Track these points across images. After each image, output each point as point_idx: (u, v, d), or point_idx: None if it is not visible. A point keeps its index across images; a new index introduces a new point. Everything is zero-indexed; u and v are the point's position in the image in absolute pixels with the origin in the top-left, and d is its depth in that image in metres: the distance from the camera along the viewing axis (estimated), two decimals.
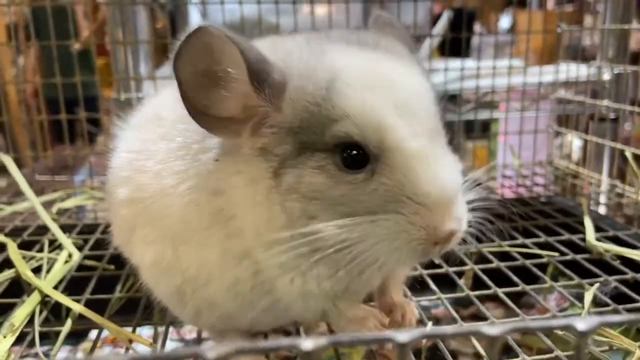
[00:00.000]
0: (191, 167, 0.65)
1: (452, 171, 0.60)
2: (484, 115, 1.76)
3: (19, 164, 1.67)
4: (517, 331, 0.31)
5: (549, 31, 1.68)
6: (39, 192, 1.47)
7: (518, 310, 0.87)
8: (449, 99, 1.72)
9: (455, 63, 1.67)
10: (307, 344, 0.31)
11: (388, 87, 0.59)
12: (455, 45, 1.69)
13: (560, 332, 0.81)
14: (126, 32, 1.57)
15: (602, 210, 1.44)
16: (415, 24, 1.75)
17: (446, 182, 0.58)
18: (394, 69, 0.61)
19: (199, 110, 0.60)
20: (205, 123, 0.61)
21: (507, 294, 0.93)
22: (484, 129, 2.19)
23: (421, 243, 0.57)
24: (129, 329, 0.84)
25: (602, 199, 1.47)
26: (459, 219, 0.59)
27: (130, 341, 0.82)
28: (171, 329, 0.95)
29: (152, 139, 0.71)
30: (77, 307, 0.87)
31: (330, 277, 0.63)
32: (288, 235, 0.59)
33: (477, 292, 0.95)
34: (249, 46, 0.58)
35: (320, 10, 2.12)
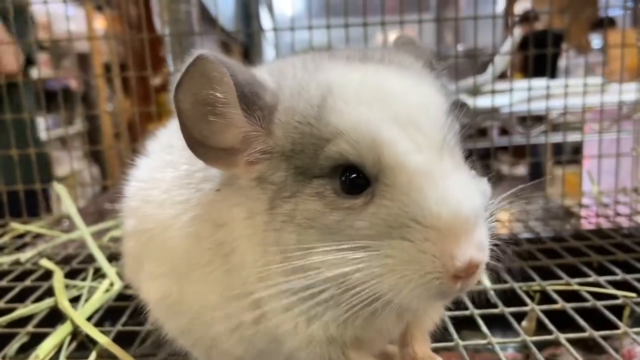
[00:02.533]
0: (193, 197, 0.61)
1: (468, 189, 0.51)
2: (556, 138, 1.61)
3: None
4: None
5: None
6: (100, 220, 1.50)
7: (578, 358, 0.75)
8: (520, 121, 1.60)
9: (523, 83, 1.56)
10: None
11: (386, 99, 0.52)
12: (540, 67, 1.58)
13: None
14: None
15: None
16: (493, 46, 1.66)
17: (460, 201, 0.49)
18: (395, 81, 0.54)
19: (198, 141, 0.56)
20: (203, 154, 0.56)
21: (577, 340, 0.81)
22: (575, 153, 2.02)
23: (437, 277, 0.48)
24: None
25: None
26: (481, 245, 0.49)
27: None
28: None
29: (159, 166, 0.68)
30: (103, 340, 0.85)
31: (338, 321, 0.56)
32: (282, 272, 0.53)
33: (535, 338, 0.83)
34: (240, 69, 0.53)
35: (393, 36, 2.06)
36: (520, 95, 1.53)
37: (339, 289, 0.51)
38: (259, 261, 0.55)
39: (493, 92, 1.53)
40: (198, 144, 0.56)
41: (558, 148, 2.01)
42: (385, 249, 0.49)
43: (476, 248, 0.48)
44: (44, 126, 2.33)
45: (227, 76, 0.52)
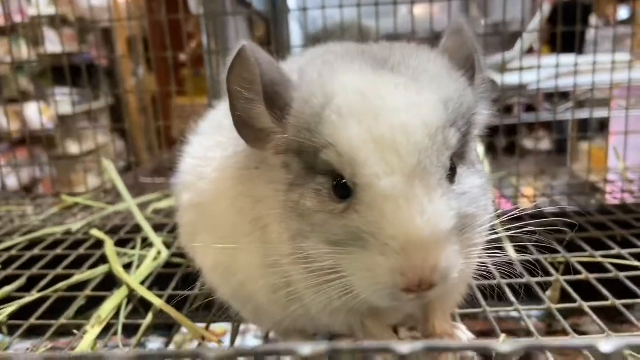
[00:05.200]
0: (239, 175, 0.68)
1: (432, 214, 0.53)
2: (582, 114, 1.63)
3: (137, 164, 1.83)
4: (530, 349, 0.29)
5: None
6: (140, 193, 1.58)
7: (602, 326, 0.80)
8: (547, 98, 1.62)
9: (551, 60, 1.58)
10: (305, 349, 0.30)
11: (376, 117, 0.55)
12: (568, 39, 1.59)
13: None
14: (219, 41, 1.65)
15: None
16: (523, 20, 1.66)
17: (417, 226, 0.52)
18: (393, 97, 0.57)
19: (244, 120, 0.62)
20: (246, 135, 0.63)
21: (598, 309, 0.86)
22: (602, 128, 2.03)
23: (386, 287, 0.54)
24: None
25: None
26: (434, 267, 0.53)
27: (203, 338, 0.86)
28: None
29: (212, 146, 0.74)
30: (158, 302, 0.93)
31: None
32: (291, 252, 0.60)
33: (560, 306, 0.89)
34: (269, 68, 0.59)
35: (421, 10, 2.07)
36: (547, 71, 1.55)
37: (329, 276, 0.57)
38: (281, 237, 0.62)
39: (521, 69, 1.55)
40: (243, 124, 0.63)
41: (584, 125, 2.01)
42: (352, 254, 0.55)
43: (429, 270, 0.53)
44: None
45: (257, 76, 0.59)
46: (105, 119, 4.16)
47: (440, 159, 0.56)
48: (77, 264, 1.13)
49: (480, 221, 0.60)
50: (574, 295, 0.90)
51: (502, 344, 0.29)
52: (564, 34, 1.55)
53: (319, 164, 0.57)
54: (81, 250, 1.20)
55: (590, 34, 2.13)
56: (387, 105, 0.56)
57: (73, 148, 2.71)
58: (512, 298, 0.91)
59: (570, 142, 1.97)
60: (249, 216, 0.67)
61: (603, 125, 1.99)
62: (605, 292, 0.90)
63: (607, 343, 0.29)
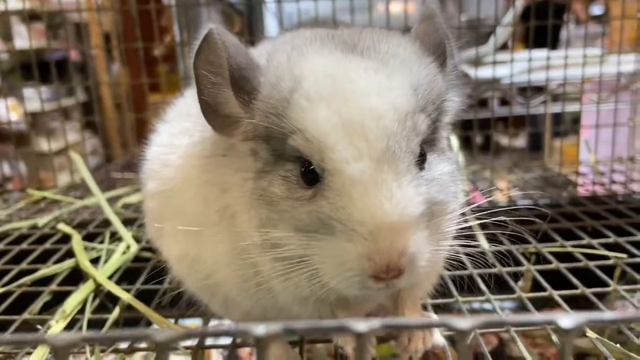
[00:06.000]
0: (205, 163, 0.66)
1: (400, 199, 0.52)
2: (555, 108, 1.65)
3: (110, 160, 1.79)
4: (489, 326, 0.28)
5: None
6: (110, 188, 1.55)
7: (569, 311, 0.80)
8: (520, 92, 1.64)
9: (524, 54, 1.59)
10: (259, 329, 0.29)
11: (345, 101, 0.54)
12: (542, 37, 1.61)
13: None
14: (192, 34, 1.62)
15: None
16: (496, 17, 1.67)
17: (384, 211, 0.51)
18: (362, 81, 0.56)
19: (211, 106, 0.61)
20: (212, 120, 0.62)
21: (569, 298, 0.87)
22: (575, 123, 2.05)
23: (356, 274, 0.52)
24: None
25: None
26: (404, 252, 0.52)
27: None
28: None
29: (178, 133, 0.73)
30: (126, 297, 0.91)
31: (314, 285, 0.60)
32: (260, 240, 0.58)
33: (530, 295, 0.89)
34: (236, 52, 0.58)
35: (396, 7, 2.07)
36: (520, 66, 1.56)
37: (299, 264, 0.56)
38: (250, 226, 0.60)
39: (494, 63, 1.56)
40: (210, 109, 0.61)
41: (557, 118, 2.04)
42: (320, 241, 0.54)
43: (397, 254, 0.52)
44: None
45: (225, 60, 0.58)
46: (78, 116, 4.07)
47: (410, 144, 0.55)
48: (43, 258, 1.10)
49: (449, 208, 0.59)
50: (545, 284, 0.90)
51: (461, 319, 0.28)
52: (537, 33, 1.56)
53: (287, 150, 0.56)
54: (47, 245, 1.17)
55: (564, 33, 2.15)
56: (356, 89, 0.55)
57: (44, 145, 2.64)
58: (484, 288, 0.91)
59: (545, 136, 1.99)
60: (215, 205, 0.65)
61: (576, 121, 2.02)
62: (575, 281, 0.91)
63: (566, 318, 0.28)
